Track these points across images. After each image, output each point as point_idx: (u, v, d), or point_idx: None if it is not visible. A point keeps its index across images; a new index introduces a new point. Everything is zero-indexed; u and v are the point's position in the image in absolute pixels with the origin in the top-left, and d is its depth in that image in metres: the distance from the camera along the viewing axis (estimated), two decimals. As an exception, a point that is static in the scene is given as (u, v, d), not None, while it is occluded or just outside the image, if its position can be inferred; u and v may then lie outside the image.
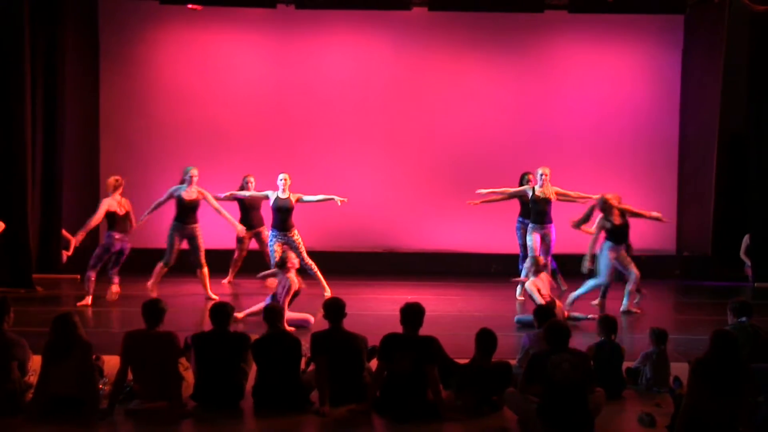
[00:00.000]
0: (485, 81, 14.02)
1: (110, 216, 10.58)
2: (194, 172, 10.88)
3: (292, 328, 8.35)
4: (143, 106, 13.90)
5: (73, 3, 12.88)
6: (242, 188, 11.83)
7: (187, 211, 10.86)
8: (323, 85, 13.94)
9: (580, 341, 7.61)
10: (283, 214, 10.98)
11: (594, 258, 10.31)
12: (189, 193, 10.85)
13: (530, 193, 11.20)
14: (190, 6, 13.18)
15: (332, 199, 11.19)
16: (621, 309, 10.16)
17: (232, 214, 11.72)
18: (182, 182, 10.97)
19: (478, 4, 13.32)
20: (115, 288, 10.74)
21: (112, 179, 10.76)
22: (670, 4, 13.19)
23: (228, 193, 11.56)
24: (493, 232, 12.94)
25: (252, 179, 11.88)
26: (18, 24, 11.40)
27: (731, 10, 12.72)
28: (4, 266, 11.35)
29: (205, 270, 10.85)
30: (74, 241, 11.61)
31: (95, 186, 13.80)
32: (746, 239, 12.80)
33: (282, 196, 11.03)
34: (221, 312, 6.77)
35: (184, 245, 10.95)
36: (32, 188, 11.83)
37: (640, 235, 13.57)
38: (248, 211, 11.89)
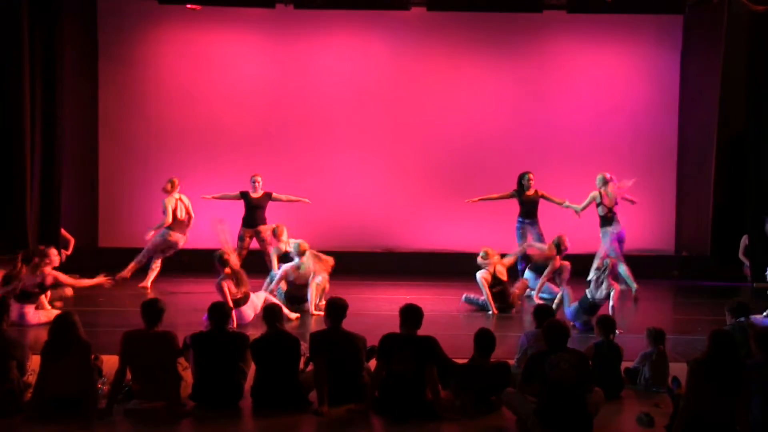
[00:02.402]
0: (484, 81, 14.01)
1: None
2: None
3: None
4: (142, 106, 13.88)
5: (72, 3, 12.86)
6: (254, 188, 12.14)
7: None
8: (322, 85, 13.94)
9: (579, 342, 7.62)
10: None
11: None
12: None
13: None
14: (188, 6, 13.16)
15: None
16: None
17: (236, 213, 11.86)
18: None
19: (476, 4, 13.33)
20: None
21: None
22: (669, 4, 13.19)
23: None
24: (493, 232, 12.91)
25: (259, 179, 12.08)
26: (16, 24, 11.39)
27: (730, 10, 12.72)
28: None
29: None
30: (72, 242, 11.73)
31: (94, 186, 13.80)
32: (745, 239, 12.80)
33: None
34: (220, 312, 6.78)
35: None
36: (31, 188, 11.81)
37: (639, 236, 13.63)
38: (253, 209, 12.00)
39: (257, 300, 9.54)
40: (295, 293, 10.26)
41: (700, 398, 5.78)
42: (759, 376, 5.83)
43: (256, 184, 12.05)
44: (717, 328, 6.26)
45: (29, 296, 9.37)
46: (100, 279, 9.93)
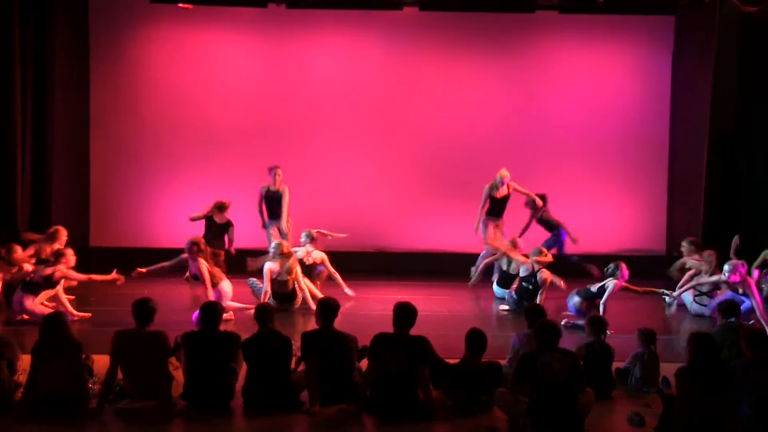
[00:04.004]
0: (476, 81, 14.02)
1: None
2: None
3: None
4: (133, 105, 13.84)
5: (63, 2, 12.83)
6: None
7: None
8: (314, 85, 13.92)
9: (571, 341, 7.63)
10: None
11: None
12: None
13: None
14: (180, 5, 13.12)
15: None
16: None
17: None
18: None
19: (469, 4, 13.30)
20: None
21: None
22: (660, 5, 13.20)
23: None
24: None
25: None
26: (8, 22, 11.37)
27: (722, 11, 12.74)
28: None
29: None
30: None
31: (85, 186, 13.75)
32: (736, 240, 12.81)
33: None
34: (211, 312, 6.77)
35: None
36: (22, 188, 11.80)
37: (630, 236, 13.66)
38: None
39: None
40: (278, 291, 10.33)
41: (690, 402, 5.79)
42: (749, 376, 5.85)
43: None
44: (696, 331, 6.27)
45: (34, 286, 9.30)
46: (113, 276, 9.81)
